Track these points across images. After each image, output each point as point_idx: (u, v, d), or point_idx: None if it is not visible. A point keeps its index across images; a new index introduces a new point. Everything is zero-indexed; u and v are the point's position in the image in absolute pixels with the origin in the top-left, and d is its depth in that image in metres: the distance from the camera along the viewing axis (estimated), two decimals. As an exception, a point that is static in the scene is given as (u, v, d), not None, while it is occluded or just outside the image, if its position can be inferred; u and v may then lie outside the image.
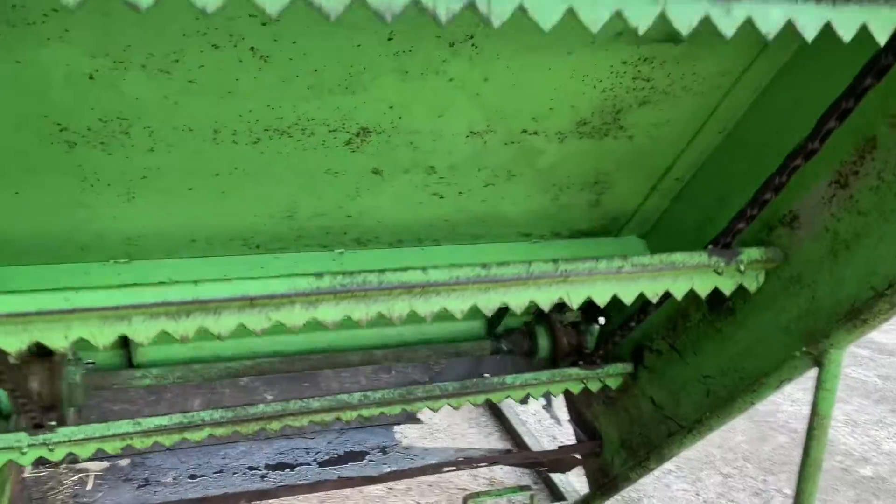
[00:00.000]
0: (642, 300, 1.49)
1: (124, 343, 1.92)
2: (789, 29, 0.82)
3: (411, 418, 2.39)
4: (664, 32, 1.33)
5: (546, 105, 1.45)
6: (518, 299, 1.39)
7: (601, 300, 1.43)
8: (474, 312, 1.78)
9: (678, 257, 1.44)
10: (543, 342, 2.20)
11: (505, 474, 2.66)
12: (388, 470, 2.14)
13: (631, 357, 2.01)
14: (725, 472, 2.80)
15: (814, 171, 1.34)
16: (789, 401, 3.37)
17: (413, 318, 1.34)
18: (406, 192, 1.61)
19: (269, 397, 2.14)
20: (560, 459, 2.43)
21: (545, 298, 1.40)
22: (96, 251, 1.55)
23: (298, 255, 1.75)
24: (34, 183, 1.33)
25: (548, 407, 2.78)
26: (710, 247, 1.48)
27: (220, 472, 2.08)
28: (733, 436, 3.05)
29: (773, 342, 1.55)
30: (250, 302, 1.21)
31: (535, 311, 2.26)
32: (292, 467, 2.11)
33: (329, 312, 1.26)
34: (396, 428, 2.32)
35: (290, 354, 1.99)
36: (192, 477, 2.05)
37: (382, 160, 1.50)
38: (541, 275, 1.37)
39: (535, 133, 1.52)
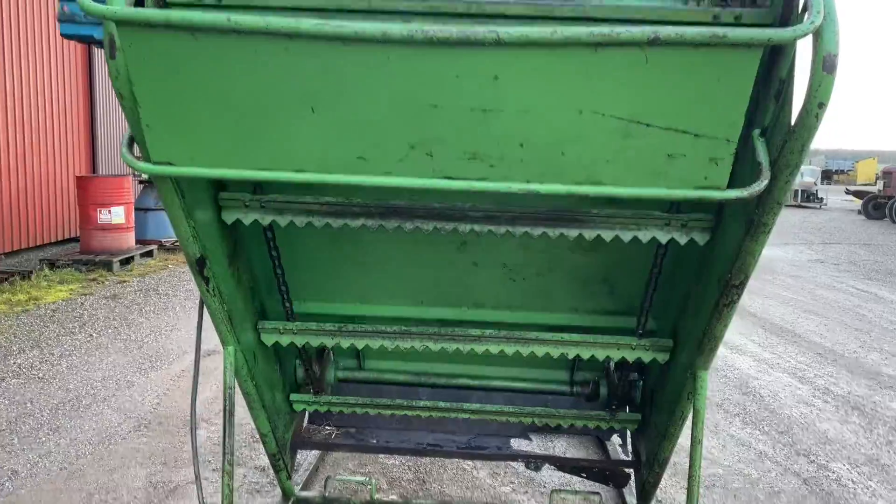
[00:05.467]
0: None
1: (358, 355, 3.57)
2: None
3: (524, 435, 3.68)
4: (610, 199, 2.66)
5: (556, 239, 2.82)
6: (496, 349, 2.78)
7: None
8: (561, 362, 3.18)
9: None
10: (603, 390, 3.39)
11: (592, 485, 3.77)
12: (487, 453, 3.48)
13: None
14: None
15: None
16: None
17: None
18: (495, 277, 3.03)
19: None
20: (617, 476, 3.51)
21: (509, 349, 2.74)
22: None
23: (443, 309, 3.24)
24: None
25: (623, 446, 3.88)
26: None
27: (402, 442, 3.58)
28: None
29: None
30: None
31: (604, 369, 3.48)
32: (441, 447, 3.54)
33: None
34: (512, 440, 3.62)
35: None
36: (387, 442, 3.58)
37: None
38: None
39: (557, 248, 2.88)
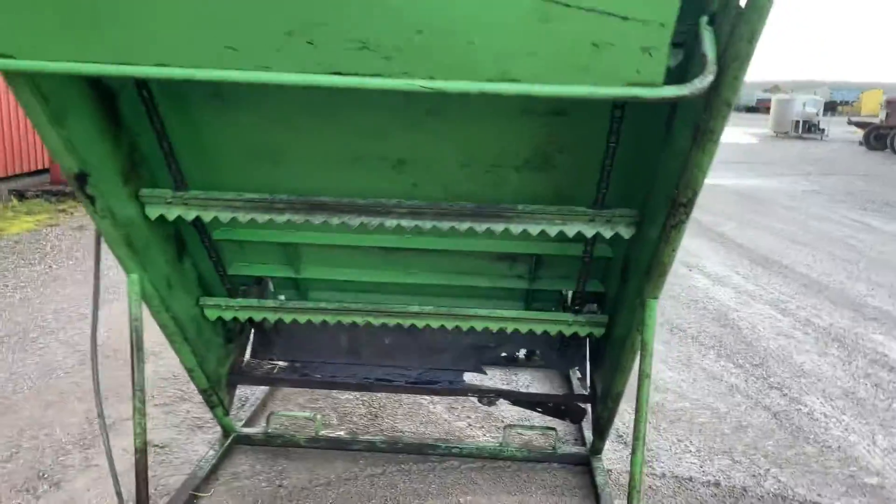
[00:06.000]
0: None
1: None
2: None
3: (478, 369, 3.48)
4: (553, 109, 2.37)
5: (500, 149, 2.52)
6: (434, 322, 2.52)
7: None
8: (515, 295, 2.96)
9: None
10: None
11: (550, 420, 3.60)
12: (438, 388, 3.29)
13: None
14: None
15: None
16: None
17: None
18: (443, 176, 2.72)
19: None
20: (573, 410, 3.33)
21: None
22: None
23: (381, 235, 2.99)
24: None
25: (581, 380, 3.70)
26: None
27: (348, 376, 3.37)
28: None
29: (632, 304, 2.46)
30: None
31: (559, 302, 3.25)
32: (390, 381, 3.34)
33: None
34: (466, 374, 3.42)
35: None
36: (332, 376, 3.38)
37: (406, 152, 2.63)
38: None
39: (501, 166, 2.60)
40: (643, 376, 2.37)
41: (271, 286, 3.32)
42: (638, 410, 2.41)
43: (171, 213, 2.45)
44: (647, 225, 2.29)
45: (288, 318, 3.01)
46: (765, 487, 3.21)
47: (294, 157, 2.46)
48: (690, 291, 6.32)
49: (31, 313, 5.17)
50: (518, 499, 3.06)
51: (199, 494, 2.99)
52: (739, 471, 3.34)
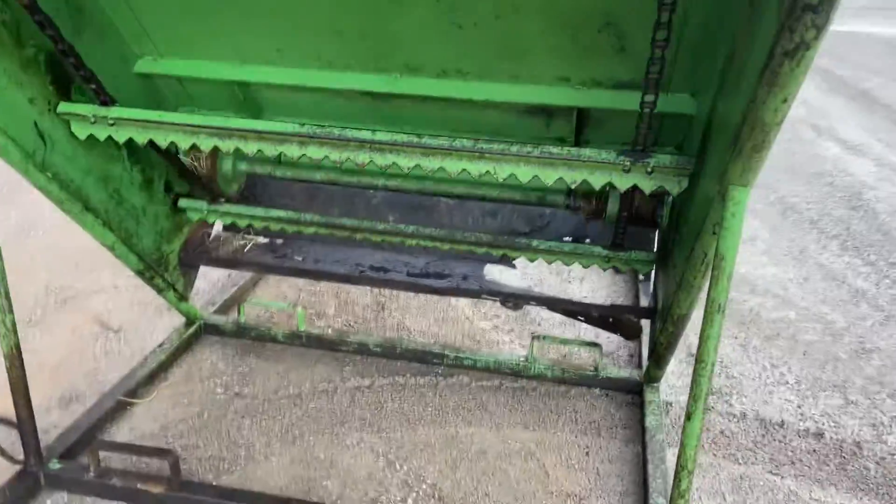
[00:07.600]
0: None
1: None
2: None
3: (505, 260, 2.64)
4: None
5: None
6: (451, 166, 1.77)
7: (524, 178, 1.74)
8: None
9: (586, 152, 1.68)
10: (612, 205, 2.25)
11: (591, 332, 2.76)
12: (446, 285, 2.47)
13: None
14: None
15: None
16: None
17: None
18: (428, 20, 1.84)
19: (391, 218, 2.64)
20: (627, 326, 2.47)
21: (474, 169, 1.76)
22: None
23: (362, 76, 2.11)
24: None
25: (644, 282, 2.79)
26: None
27: (336, 262, 2.62)
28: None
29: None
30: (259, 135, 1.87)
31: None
32: (386, 271, 2.56)
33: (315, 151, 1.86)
34: (488, 266, 2.59)
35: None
36: (315, 261, 2.63)
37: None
38: (461, 148, 1.73)
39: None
40: (713, 308, 1.46)
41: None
42: (700, 360, 1.52)
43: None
44: (744, 62, 1.30)
45: (186, 142, 1.99)
46: (889, 445, 2.30)
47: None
48: (816, 162, 5.09)
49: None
50: (537, 436, 2.30)
51: (133, 400, 2.39)
52: (854, 416, 2.43)
